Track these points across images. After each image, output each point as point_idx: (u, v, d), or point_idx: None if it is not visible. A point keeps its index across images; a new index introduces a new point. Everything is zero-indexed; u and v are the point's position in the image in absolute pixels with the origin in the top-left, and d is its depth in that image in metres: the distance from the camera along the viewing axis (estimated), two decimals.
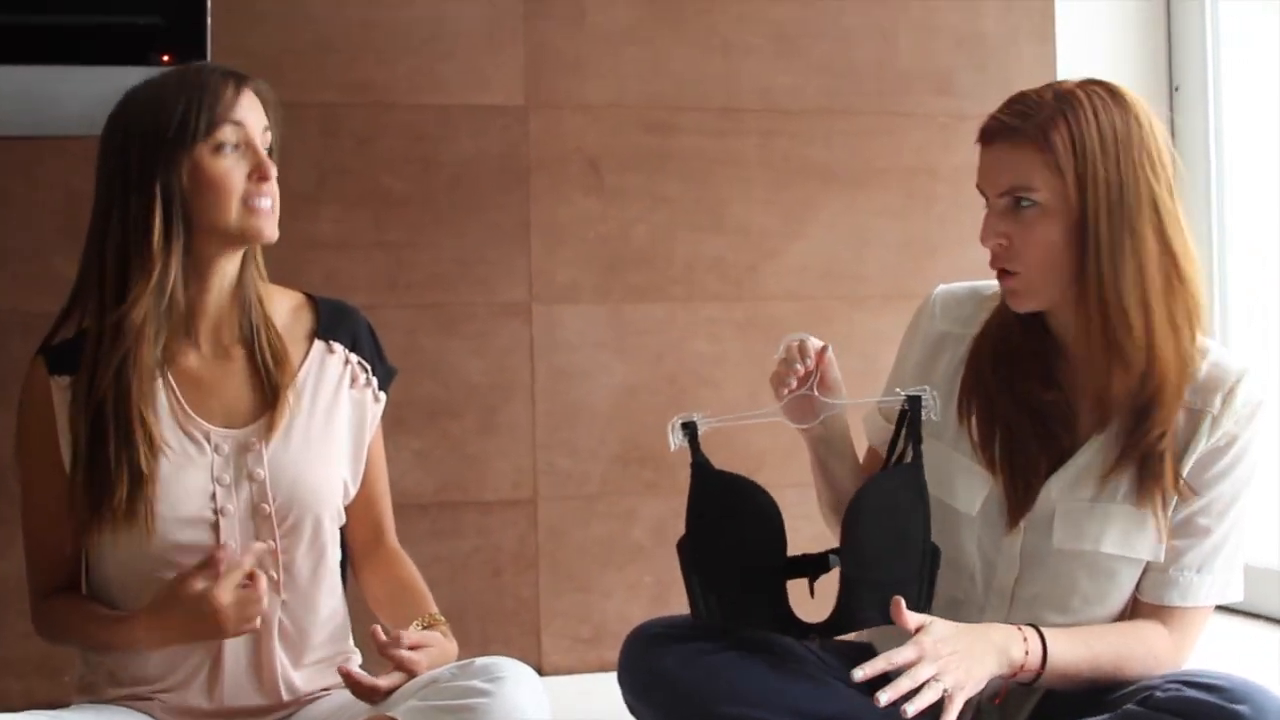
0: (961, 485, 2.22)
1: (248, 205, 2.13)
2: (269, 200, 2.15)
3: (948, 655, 2.01)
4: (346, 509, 2.30)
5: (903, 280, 3.61)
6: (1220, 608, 2.23)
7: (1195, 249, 2.12)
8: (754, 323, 3.56)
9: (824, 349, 2.20)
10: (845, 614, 2.15)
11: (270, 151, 2.18)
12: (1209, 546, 2.14)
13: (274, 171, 2.15)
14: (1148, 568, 2.16)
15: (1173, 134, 2.15)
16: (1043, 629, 2.10)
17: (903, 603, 2.03)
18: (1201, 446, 2.12)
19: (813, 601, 2.17)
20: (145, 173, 2.09)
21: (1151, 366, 2.08)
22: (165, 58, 2.99)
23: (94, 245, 2.14)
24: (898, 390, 2.20)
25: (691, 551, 2.19)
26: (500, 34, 3.49)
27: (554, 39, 3.52)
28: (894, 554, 2.15)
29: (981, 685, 2.05)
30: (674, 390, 3.49)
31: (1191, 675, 2.01)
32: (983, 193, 2.16)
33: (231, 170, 2.12)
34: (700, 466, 2.17)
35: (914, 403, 2.17)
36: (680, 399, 2.57)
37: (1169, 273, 2.08)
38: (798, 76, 3.65)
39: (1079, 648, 2.10)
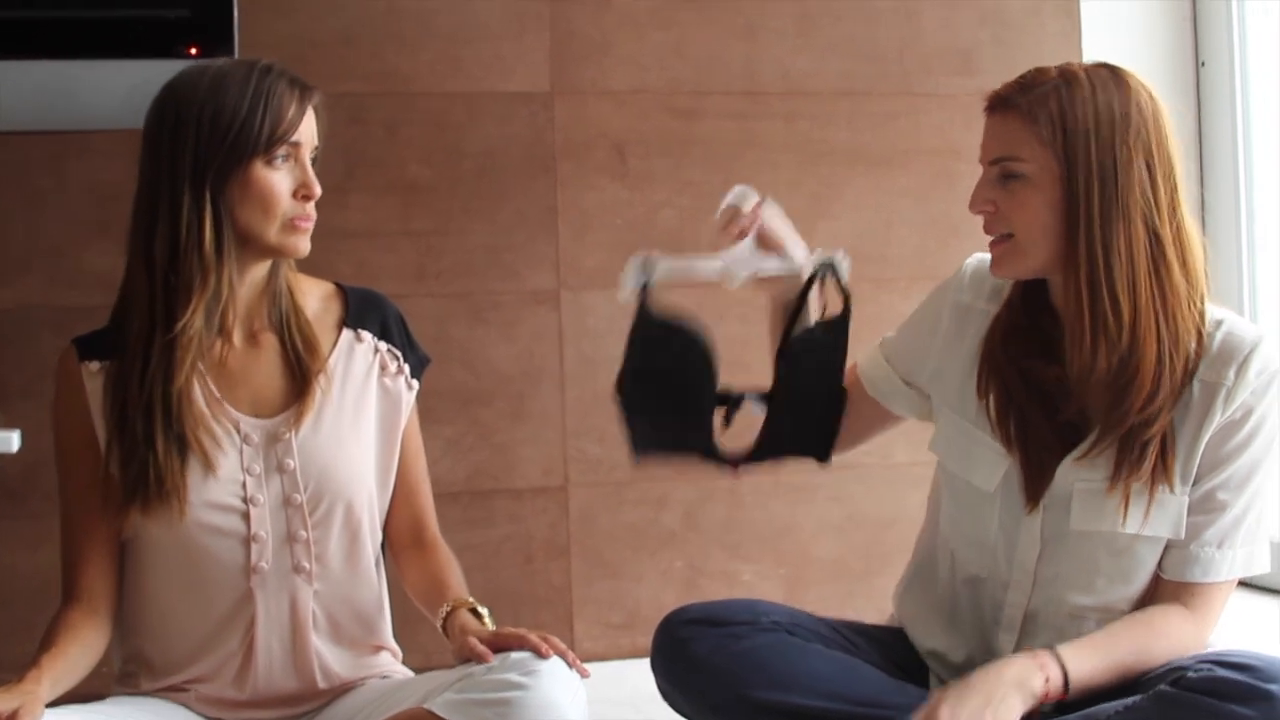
0: (979, 461, 2.23)
1: (289, 223, 2.14)
2: (309, 221, 2.16)
3: (968, 717, 2.00)
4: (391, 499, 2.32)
5: (928, 260, 3.61)
6: (1245, 584, 2.22)
7: (1195, 236, 2.13)
8: None
9: (759, 202, 2.28)
10: (767, 448, 2.30)
11: (313, 161, 2.18)
12: (1229, 521, 2.13)
13: (319, 191, 2.16)
14: (1169, 544, 2.15)
15: (1199, 109, 2.16)
16: (1060, 649, 2.08)
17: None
18: (1217, 420, 2.11)
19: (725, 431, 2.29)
20: (198, 175, 2.09)
21: (1134, 348, 2.08)
22: (192, 50, 3.00)
23: (140, 241, 2.13)
24: (815, 250, 2.31)
25: (630, 384, 2.27)
26: (524, 20, 3.49)
27: (578, 24, 3.52)
28: (813, 396, 2.31)
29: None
30: None
31: (1223, 655, 2.00)
32: (981, 161, 2.20)
33: (280, 186, 2.12)
34: (645, 307, 2.24)
35: (825, 268, 2.29)
36: None
37: (1157, 259, 2.08)
38: (820, 58, 3.65)
39: (1099, 658, 2.09)
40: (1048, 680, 2.04)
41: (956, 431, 2.28)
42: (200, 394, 2.15)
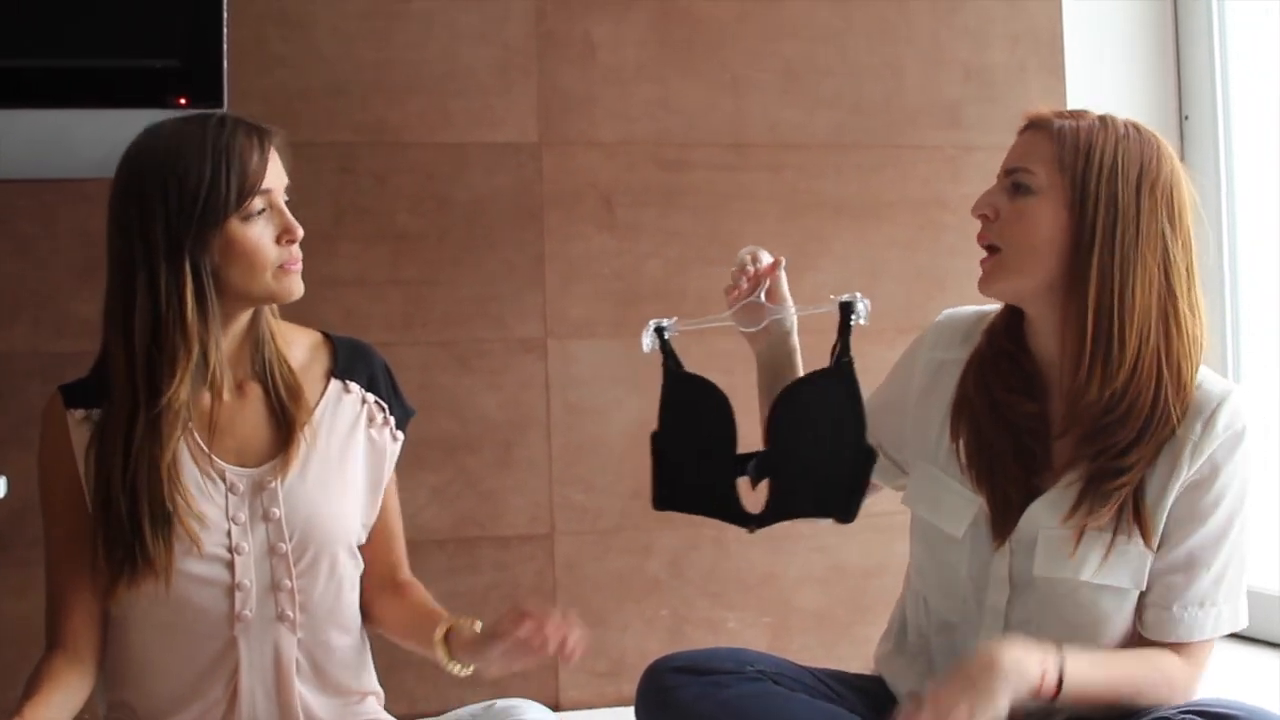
0: (948, 507, 2.24)
1: (278, 270, 2.13)
2: (298, 263, 2.15)
3: (962, 708, 2.00)
4: (363, 548, 2.31)
5: (914, 312, 3.61)
6: (1227, 635, 2.22)
7: (1203, 309, 2.15)
8: None
9: (775, 262, 2.33)
10: (776, 506, 2.24)
11: (287, 201, 2.17)
12: (1209, 581, 2.13)
13: (301, 232, 2.14)
14: (1147, 603, 2.15)
15: (1182, 162, 2.18)
16: (1065, 651, 2.07)
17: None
18: (1184, 475, 2.11)
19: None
20: (173, 246, 2.07)
21: (1130, 387, 2.09)
22: (182, 100, 3.01)
23: (119, 319, 2.10)
24: (831, 296, 2.28)
25: (660, 442, 2.29)
26: (512, 72, 3.51)
27: (566, 77, 3.55)
28: (821, 449, 2.23)
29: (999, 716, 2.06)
30: None
31: (1204, 704, 2.01)
32: (999, 174, 2.23)
33: (262, 238, 2.11)
34: (671, 368, 2.29)
35: (845, 308, 2.26)
36: None
37: (1168, 310, 2.10)
38: (806, 111, 3.67)
39: (1098, 672, 2.09)
40: (1044, 676, 2.03)
41: (927, 479, 2.30)
42: (186, 445, 2.15)
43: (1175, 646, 2.15)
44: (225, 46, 3.04)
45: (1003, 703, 2.02)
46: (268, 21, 3.36)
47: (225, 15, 3.06)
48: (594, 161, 3.56)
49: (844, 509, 2.23)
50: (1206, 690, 2.17)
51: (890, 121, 3.73)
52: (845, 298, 2.26)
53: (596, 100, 3.56)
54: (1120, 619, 2.16)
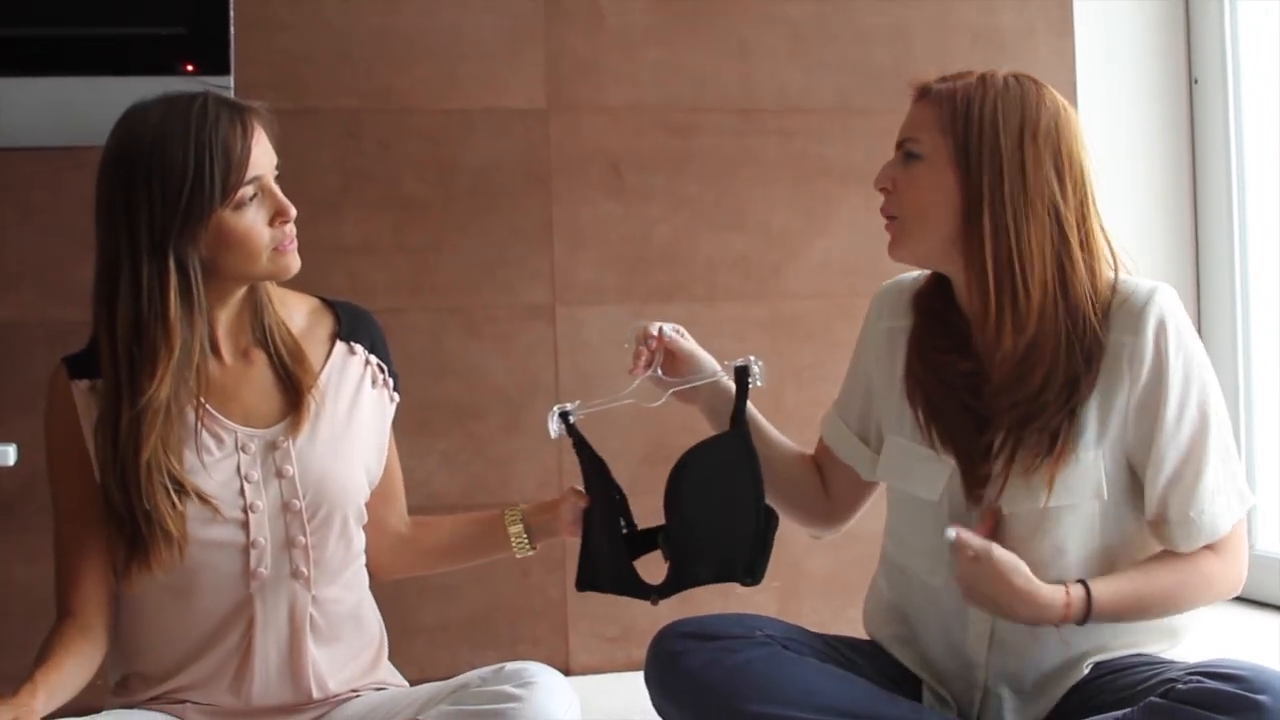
0: (920, 474, 2.27)
1: (275, 250, 2.13)
2: (294, 241, 2.16)
3: (986, 581, 2.09)
4: (373, 506, 2.33)
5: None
6: (1239, 599, 2.23)
7: (1103, 242, 2.19)
8: (777, 321, 3.56)
9: (659, 331, 2.37)
10: (676, 576, 2.31)
11: (277, 177, 2.17)
12: (1210, 480, 2.15)
13: (294, 211, 2.14)
14: (1168, 520, 2.16)
15: (1192, 126, 2.20)
16: (1089, 582, 2.12)
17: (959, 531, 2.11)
18: (1126, 382, 2.14)
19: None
20: (158, 243, 2.07)
21: (1039, 335, 2.13)
22: (189, 67, 3.01)
23: (104, 314, 2.11)
24: (726, 362, 2.35)
25: (585, 521, 2.37)
26: (519, 38, 3.50)
27: (573, 42, 3.54)
28: (720, 516, 2.28)
29: (1004, 618, 2.14)
30: None
31: (1211, 665, 2.02)
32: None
33: (255, 222, 2.11)
34: (582, 444, 2.35)
35: (740, 373, 2.32)
36: None
37: (1061, 254, 2.14)
38: (815, 76, 3.66)
39: (1126, 585, 2.14)
40: (1069, 605, 2.10)
41: (897, 450, 2.32)
42: (193, 413, 2.15)
43: (1210, 548, 2.18)
44: (231, 13, 3.04)
45: (1009, 617, 2.12)
46: None
47: None
48: (601, 127, 3.55)
49: (748, 572, 2.29)
50: (1215, 651, 2.18)
51: (899, 86, 3.66)
52: (740, 362, 2.32)
53: (604, 65, 3.55)
54: (1089, 529, 2.18)
